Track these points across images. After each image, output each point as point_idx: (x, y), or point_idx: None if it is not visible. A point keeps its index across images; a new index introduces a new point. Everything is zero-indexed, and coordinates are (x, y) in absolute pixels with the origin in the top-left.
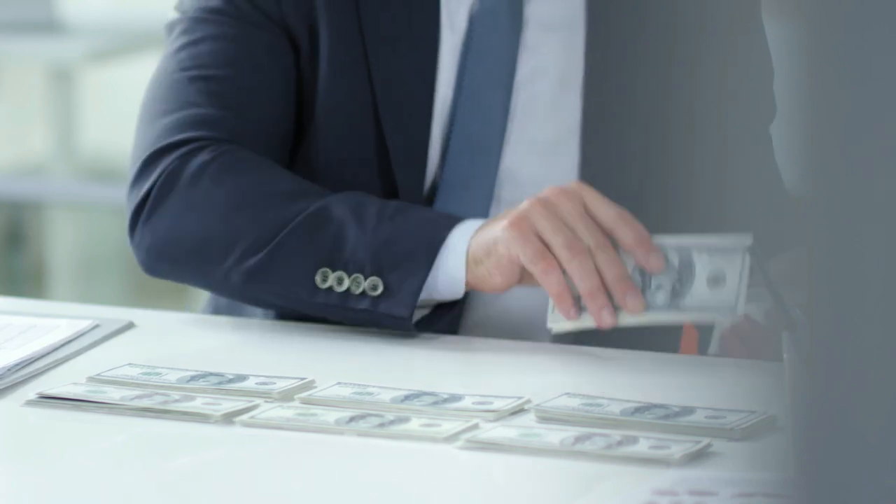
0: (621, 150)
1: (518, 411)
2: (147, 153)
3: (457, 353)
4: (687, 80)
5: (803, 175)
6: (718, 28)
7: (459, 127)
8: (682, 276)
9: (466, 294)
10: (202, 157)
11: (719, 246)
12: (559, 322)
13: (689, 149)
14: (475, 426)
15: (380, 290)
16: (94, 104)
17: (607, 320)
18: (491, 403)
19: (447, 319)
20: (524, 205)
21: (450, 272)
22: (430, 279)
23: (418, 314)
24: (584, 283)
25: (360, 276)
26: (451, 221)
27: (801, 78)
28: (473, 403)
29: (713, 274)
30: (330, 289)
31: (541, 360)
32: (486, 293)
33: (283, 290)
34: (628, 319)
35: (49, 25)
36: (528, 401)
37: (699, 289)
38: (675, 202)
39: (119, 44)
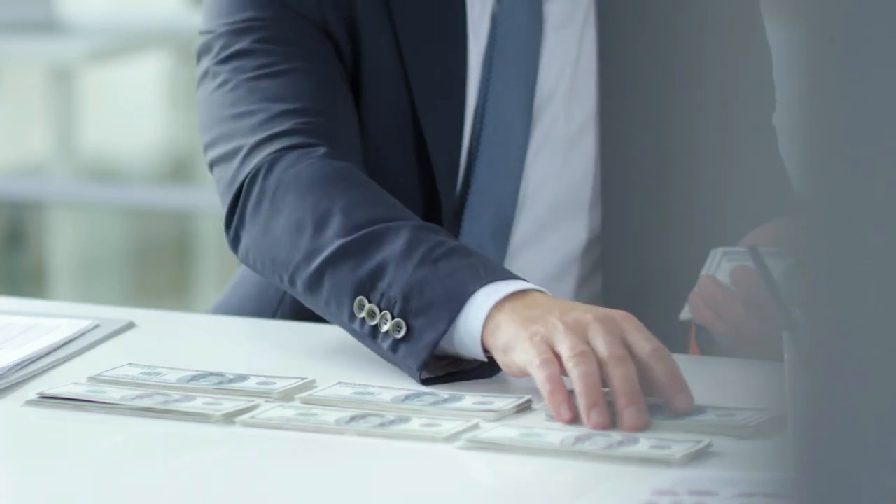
0: (637, 142)
1: (521, 410)
2: (251, 142)
3: None
4: (695, 69)
5: (803, 175)
6: (722, 19)
7: (488, 130)
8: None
9: None
10: (299, 160)
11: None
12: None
13: (701, 139)
14: (476, 426)
15: (402, 332)
16: (94, 104)
17: (594, 421)
18: (491, 403)
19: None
20: (553, 322)
21: (469, 330)
22: (454, 333)
23: (445, 369)
24: (579, 381)
25: (388, 315)
26: (487, 276)
27: (801, 78)
28: (474, 403)
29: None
30: (363, 320)
31: None
32: None
33: (330, 309)
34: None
35: (49, 25)
36: (530, 401)
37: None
38: (691, 192)
39: (119, 44)
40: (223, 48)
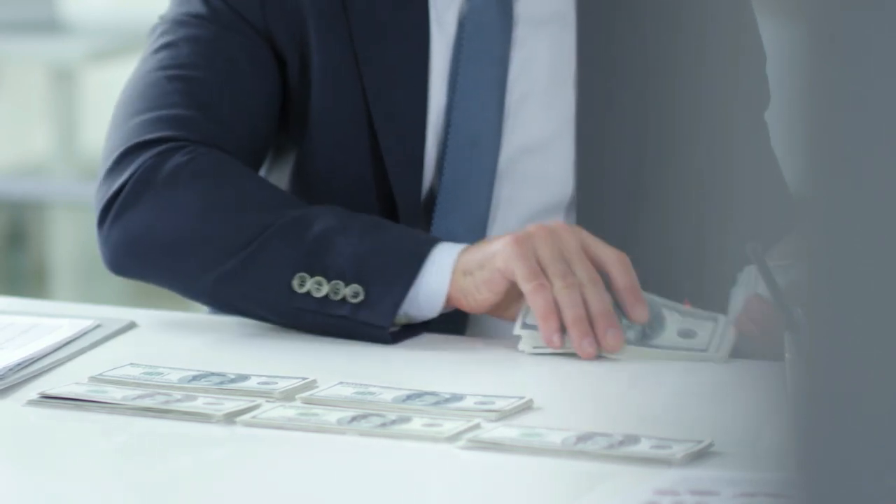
0: (615, 144)
1: (522, 410)
2: (122, 149)
3: (458, 353)
4: (679, 70)
5: (803, 175)
6: (708, 16)
7: (456, 129)
8: (653, 324)
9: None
10: (179, 157)
11: (690, 312)
12: (528, 343)
13: (684, 139)
14: (477, 426)
15: (360, 297)
16: (95, 104)
17: (587, 350)
18: (493, 403)
19: (417, 333)
20: (530, 228)
21: (432, 287)
22: (413, 291)
23: (401, 324)
24: (570, 311)
25: (341, 283)
26: (434, 239)
27: (802, 77)
28: (475, 403)
29: (683, 329)
30: (308, 294)
31: (542, 361)
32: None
33: (257, 295)
34: (605, 353)
35: (50, 25)
36: (531, 401)
37: (670, 336)
38: (669, 194)
39: (120, 43)
40: (160, 36)
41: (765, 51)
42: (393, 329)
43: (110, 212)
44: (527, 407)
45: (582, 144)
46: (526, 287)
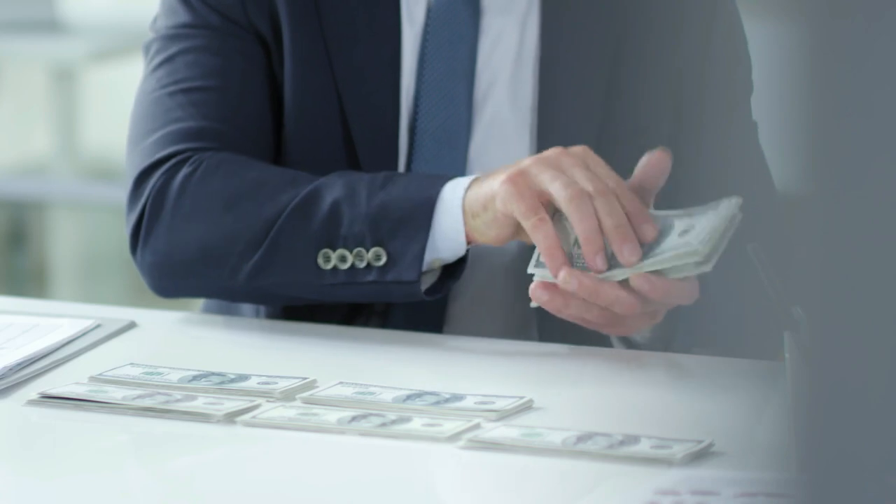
0: (574, 135)
1: (523, 410)
2: (136, 173)
3: (458, 354)
4: (641, 57)
5: (803, 175)
6: (676, 5)
7: (424, 118)
8: (661, 236)
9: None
10: (185, 169)
11: (698, 209)
12: (543, 270)
13: (646, 129)
14: (477, 426)
15: (384, 259)
16: (95, 104)
17: (599, 265)
18: (493, 403)
19: (451, 285)
20: (525, 161)
21: (448, 229)
22: (430, 240)
23: (428, 281)
24: (581, 224)
25: (363, 250)
26: (442, 179)
27: (802, 77)
28: (475, 403)
29: (684, 227)
30: (335, 268)
31: (542, 360)
32: (471, 286)
33: (289, 280)
34: (616, 272)
35: (51, 25)
36: (531, 401)
37: (672, 239)
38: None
39: (121, 43)
40: (156, 53)
41: (745, 39)
42: (431, 279)
43: (139, 239)
44: (527, 407)
45: (541, 134)
46: (526, 225)
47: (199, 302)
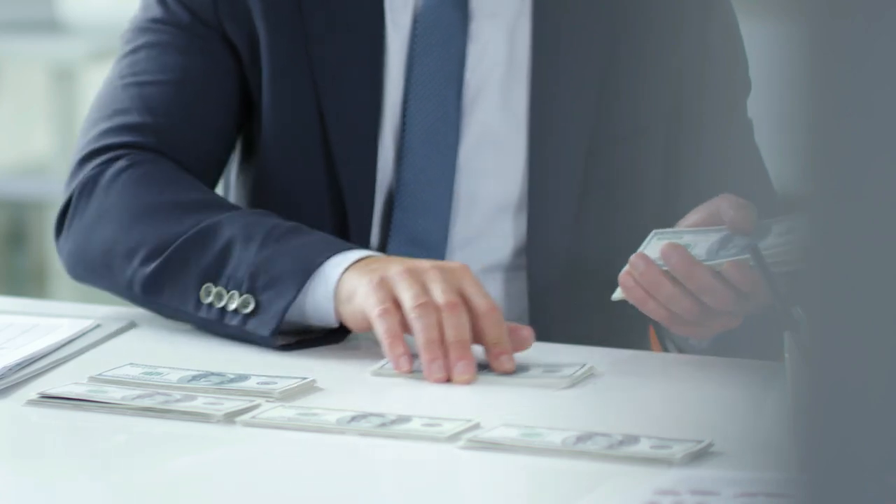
0: (568, 138)
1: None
2: (76, 159)
3: None
4: (638, 57)
5: (803, 175)
6: (669, 9)
7: (413, 125)
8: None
9: None
10: (120, 164)
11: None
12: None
13: (644, 127)
14: (476, 426)
15: (251, 307)
16: None
17: (435, 374)
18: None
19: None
20: (393, 268)
21: (321, 299)
22: (299, 303)
23: (296, 337)
24: (420, 334)
25: (236, 293)
26: (334, 248)
27: (802, 76)
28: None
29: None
30: (210, 304)
31: (539, 360)
32: None
33: (173, 304)
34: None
35: (51, 25)
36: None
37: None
38: (621, 191)
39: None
40: (124, 45)
41: (741, 38)
42: (288, 341)
43: (63, 223)
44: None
45: (534, 138)
46: (371, 315)
47: None
